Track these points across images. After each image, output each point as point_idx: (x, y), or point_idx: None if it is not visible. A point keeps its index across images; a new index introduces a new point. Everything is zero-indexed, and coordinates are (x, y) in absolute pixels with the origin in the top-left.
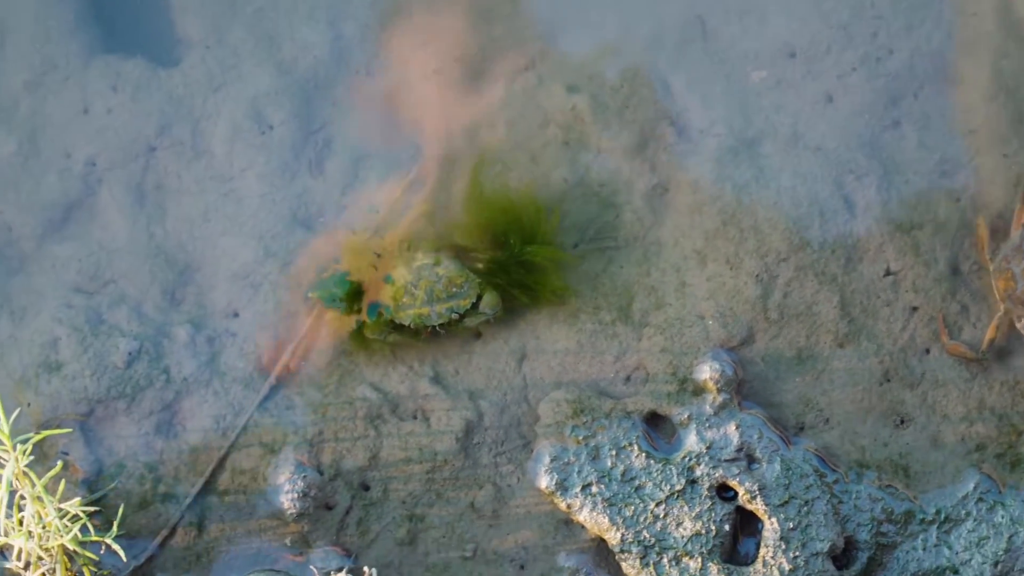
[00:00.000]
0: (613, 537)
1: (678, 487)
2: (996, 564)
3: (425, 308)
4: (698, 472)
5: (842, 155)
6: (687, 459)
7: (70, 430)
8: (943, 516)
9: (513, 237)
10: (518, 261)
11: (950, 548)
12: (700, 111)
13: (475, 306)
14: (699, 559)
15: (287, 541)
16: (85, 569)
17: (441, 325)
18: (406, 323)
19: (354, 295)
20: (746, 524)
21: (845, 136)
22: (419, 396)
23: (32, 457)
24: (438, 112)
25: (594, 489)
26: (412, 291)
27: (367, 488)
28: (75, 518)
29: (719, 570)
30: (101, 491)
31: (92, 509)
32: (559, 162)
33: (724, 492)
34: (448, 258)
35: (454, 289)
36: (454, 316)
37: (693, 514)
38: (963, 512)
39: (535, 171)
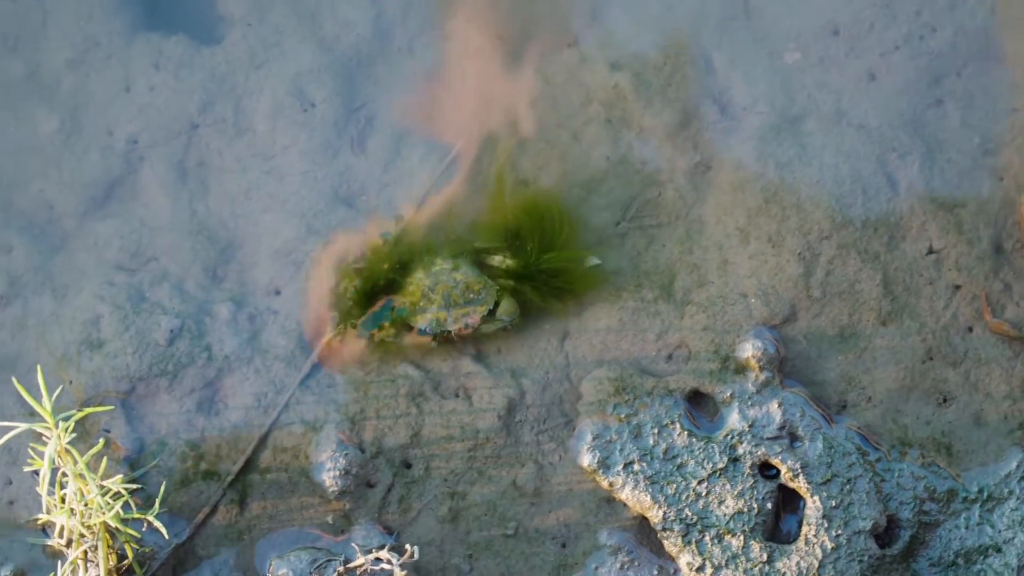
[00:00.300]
0: (655, 515)
1: (720, 465)
2: None
3: (442, 313)
4: (740, 450)
5: (885, 133)
6: (729, 437)
7: (112, 408)
8: (986, 495)
9: (531, 244)
10: (537, 270)
11: (993, 527)
12: (743, 89)
13: (492, 312)
14: (741, 537)
15: (328, 519)
16: (127, 546)
17: (457, 331)
18: (422, 327)
19: (369, 296)
20: (788, 502)
21: (888, 114)
22: (461, 374)
23: (74, 435)
24: (480, 90)
25: (636, 467)
26: (429, 295)
27: (409, 466)
28: (117, 495)
29: (761, 548)
30: (143, 469)
31: (134, 487)
32: (601, 140)
33: (766, 470)
34: (467, 263)
35: (471, 295)
36: (470, 322)
37: (735, 492)
38: (1006, 491)
39: (577, 149)
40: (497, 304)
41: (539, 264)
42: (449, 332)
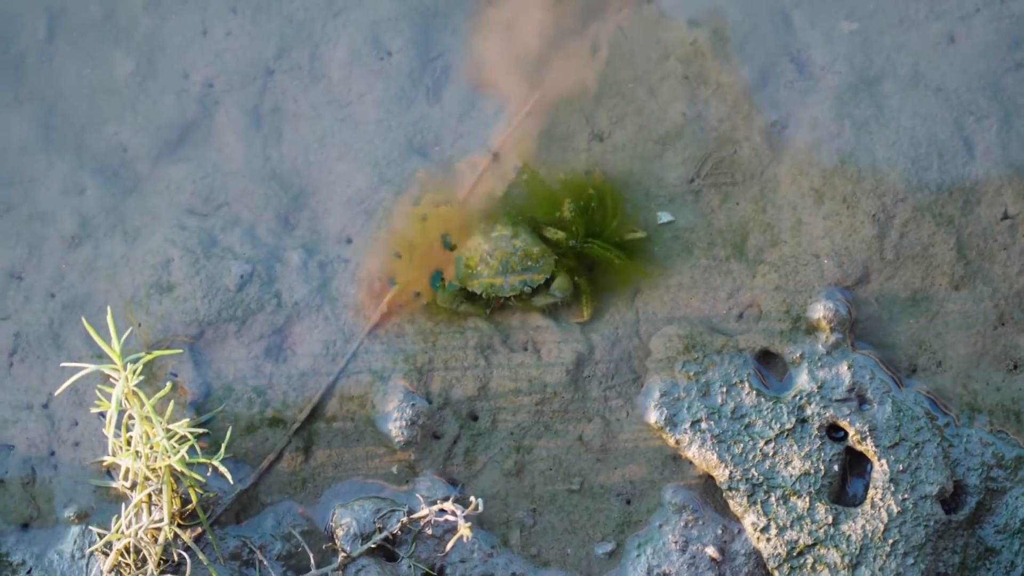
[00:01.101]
0: (721, 474)
1: (788, 426)
2: None
3: (498, 279)
4: (808, 411)
5: (963, 96)
6: (798, 398)
7: (180, 351)
8: None
9: (577, 224)
10: (578, 253)
11: None
12: (821, 48)
13: (547, 284)
14: (807, 498)
15: (393, 469)
16: (191, 491)
17: (512, 297)
18: (477, 291)
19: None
20: (855, 465)
21: (966, 77)
22: (530, 328)
23: (141, 377)
24: (558, 43)
25: (703, 425)
26: (487, 260)
27: (475, 418)
28: (182, 439)
29: (827, 510)
30: (209, 413)
31: (200, 431)
32: (678, 96)
33: (834, 432)
34: (526, 231)
35: (529, 263)
36: (526, 290)
37: (802, 453)
38: None
39: (653, 104)
40: (553, 276)
41: (583, 247)
42: (504, 298)
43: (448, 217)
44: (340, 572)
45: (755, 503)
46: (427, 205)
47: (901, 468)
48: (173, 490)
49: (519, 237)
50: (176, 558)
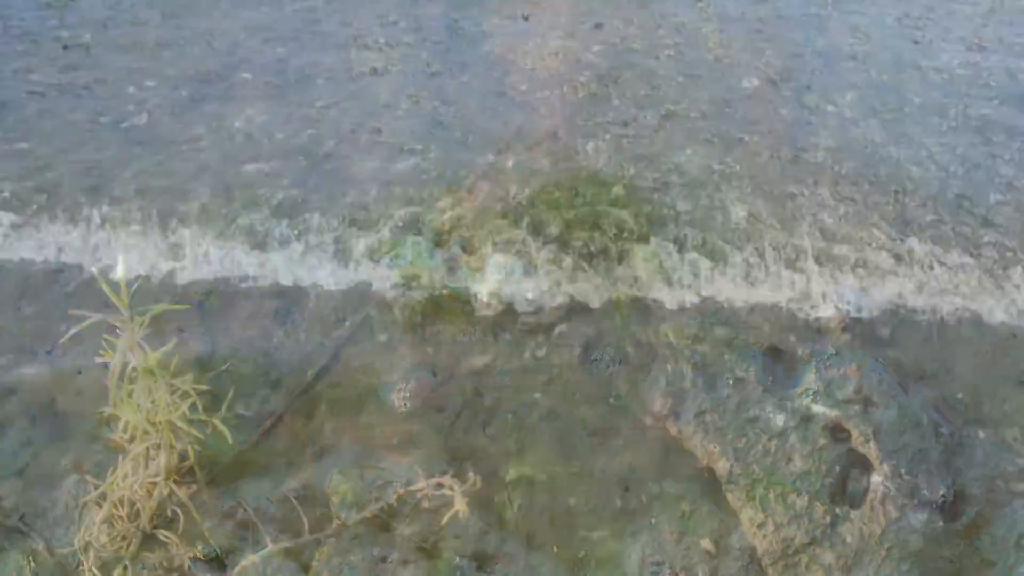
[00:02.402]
0: (722, 467)
1: (792, 423)
2: None
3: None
4: (814, 410)
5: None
6: (804, 396)
7: (189, 307)
8: None
9: (605, 221)
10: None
11: None
12: None
13: None
14: (806, 497)
15: (394, 440)
16: (189, 447)
17: None
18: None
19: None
20: (856, 467)
21: None
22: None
23: (148, 330)
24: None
25: (707, 417)
26: None
27: (479, 394)
28: (184, 395)
29: (825, 510)
30: (213, 372)
31: (202, 388)
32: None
33: (837, 433)
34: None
35: None
36: None
37: (804, 452)
38: None
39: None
40: None
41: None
42: None
43: None
44: (334, 539)
45: (753, 498)
46: None
47: (902, 473)
48: (172, 446)
49: None
50: (170, 514)
